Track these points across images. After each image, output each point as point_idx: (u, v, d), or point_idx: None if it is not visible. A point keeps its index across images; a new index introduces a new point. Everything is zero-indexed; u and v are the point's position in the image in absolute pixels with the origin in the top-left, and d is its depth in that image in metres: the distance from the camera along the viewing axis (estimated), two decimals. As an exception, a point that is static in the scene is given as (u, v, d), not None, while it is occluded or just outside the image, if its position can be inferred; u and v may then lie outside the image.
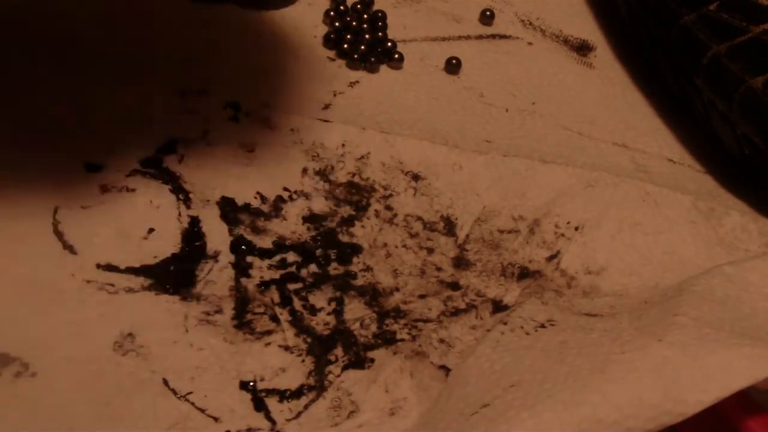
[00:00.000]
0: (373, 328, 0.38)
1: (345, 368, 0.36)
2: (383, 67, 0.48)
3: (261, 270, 0.39)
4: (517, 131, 0.46)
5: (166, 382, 0.35)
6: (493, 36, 0.52)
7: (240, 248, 0.39)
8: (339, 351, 0.37)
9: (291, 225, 0.40)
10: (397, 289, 0.39)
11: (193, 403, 0.34)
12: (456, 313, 0.39)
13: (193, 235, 0.39)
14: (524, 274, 0.41)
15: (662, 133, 0.49)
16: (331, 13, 0.49)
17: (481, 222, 0.42)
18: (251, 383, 0.35)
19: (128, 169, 0.40)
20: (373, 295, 0.39)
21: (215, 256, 0.39)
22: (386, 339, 0.38)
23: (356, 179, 0.42)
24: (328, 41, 0.48)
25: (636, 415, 0.30)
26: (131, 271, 0.37)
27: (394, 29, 0.50)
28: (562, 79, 0.50)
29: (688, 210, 0.43)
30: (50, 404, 0.33)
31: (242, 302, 0.38)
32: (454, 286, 0.40)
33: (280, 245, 0.40)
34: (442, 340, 0.38)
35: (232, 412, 0.34)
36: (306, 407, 0.35)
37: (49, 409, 0.33)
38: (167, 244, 0.39)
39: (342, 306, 0.38)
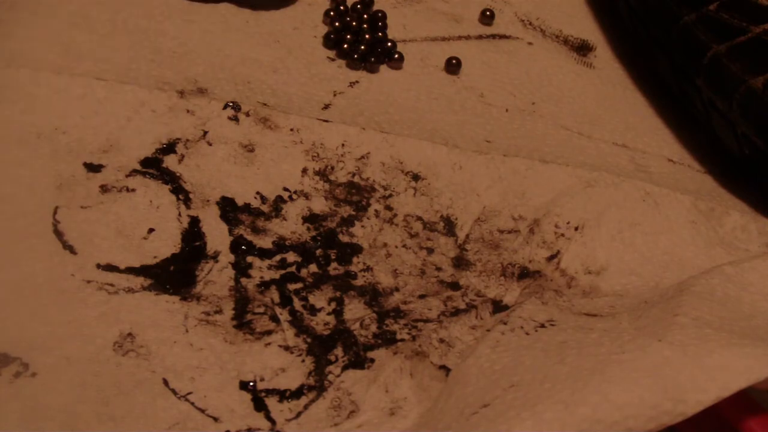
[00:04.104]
0: (373, 328, 0.38)
1: (345, 368, 0.36)
2: (383, 67, 0.48)
3: (261, 270, 0.39)
4: (517, 131, 0.46)
5: (166, 382, 0.35)
6: (493, 36, 0.52)
7: (240, 248, 0.39)
8: (339, 351, 0.37)
9: (291, 225, 0.40)
10: (397, 289, 0.39)
11: (193, 403, 0.34)
12: (456, 313, 0.39)
13: (193, 235, 0.39)
14: (524, 274, 0.41)
15: (662, 133, 0.49)
16: (331, 13, 0.49)
17: (481, 222, 0.42)
18: (251, 383, 0.35)
19: (128, 169, 0.40)
20: (373, 295, 0.39)
21: (215, 256, 0.39)
22: (386, 339, 0.38)
23: (356, 179, 0.42)
24: (328, 41, 0.48)
25: (636, 415, 0.30)
26: (131, 271, 0.37)
27: (394, 29, 0.50)
28: (562, 79, 0.50)
29: (688, 210, 0.43)
30: (50, 404, 0.33)
31: (242, 302, 0.38)
32: (454, 286, 0.40)
33: (280, 245, 0.40)
34: (442, 340, 0.38)
35: (232, 412, 0.34)
36: (306, 407, 0.35)
37: (49, 409, 0.33)
38: (167, 244, 0.39)
39: (342, 306, 0.38)
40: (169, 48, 0.45)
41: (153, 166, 0.40)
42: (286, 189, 0.41)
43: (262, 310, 0.38)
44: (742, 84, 0.42)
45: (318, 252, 0.40)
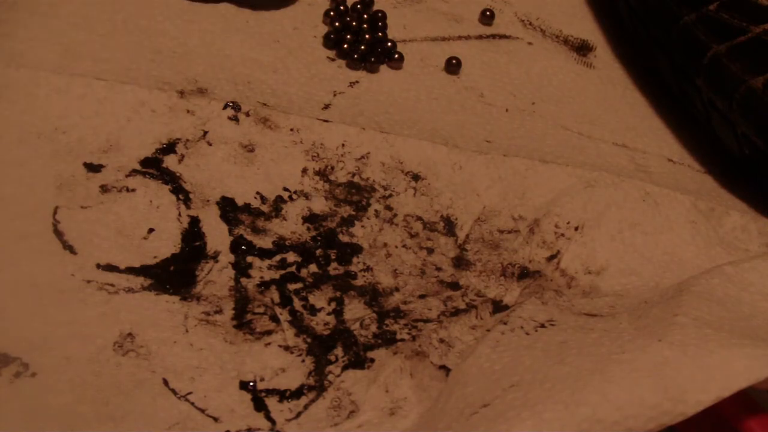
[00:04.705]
0: (373, 328, 0.38)
1: (345, 368, 0.36)
2: (383, 67, 0.48)
3: (261, 270, 0.39)
4: (517, 131, 0.46)
5: (166, 382, 0.35)
6: (493, 36, 0.52)
7: (240, 248, 0.39)
8: (339, 351, 0.37)
9: (291, 225, 0.40)
10: (397, 289, 0.39)
11: (193, 403, 0.34)
12: (456, 313, 0.39)
13: (193, 235, 0.39)
14: (524, 274, 0.41)
15: (662, 133, 0.49)
16: (331, 13, 0.49)
17: (481, 222, 0.42)
18: (251, 383, 0.35)
19: (128, 169, 0.40)
20: (373, 295, 0.39)
21: (215, 256, 0.39)
22: (386, 339, 0.38)
23: (356, 179, 0.42)
24: (328, 41, 0.48)
25: (636, 415, 0.30)
26: (131, 271, 0.37)
27: (394, 29, 0.50)
28: (562, 79, 0.50)
29: (688, 210, 0.43)
30: (50, 404, 0.33)
31: (242, 302, 0.38)
32: (454, 286, 0.40)
33: (280, 245, 0.40)
34: (442, 340, 0.38)
35: (232, 412, 0.34)
36: (306, 407, 0.35)
37: (49, 409, 0.33)
38: (167, 244, 0.39)
39: (342, 306, 0.38)
40: (169, 48, 0.45)
41: (153, 166, 0.40)
42: (286, 189, 0.41)
43: (262, 310, 0.38)
44: (742, 84, 0.42)
45: (318, 252, 0.40)
